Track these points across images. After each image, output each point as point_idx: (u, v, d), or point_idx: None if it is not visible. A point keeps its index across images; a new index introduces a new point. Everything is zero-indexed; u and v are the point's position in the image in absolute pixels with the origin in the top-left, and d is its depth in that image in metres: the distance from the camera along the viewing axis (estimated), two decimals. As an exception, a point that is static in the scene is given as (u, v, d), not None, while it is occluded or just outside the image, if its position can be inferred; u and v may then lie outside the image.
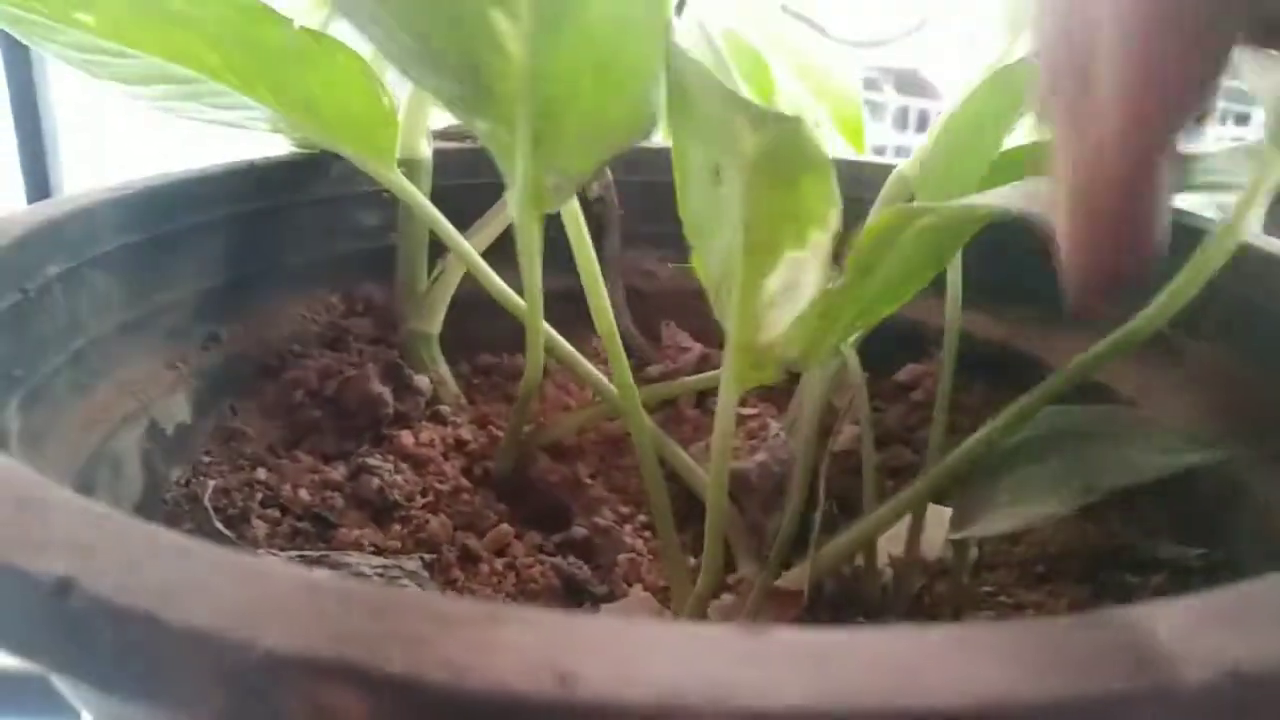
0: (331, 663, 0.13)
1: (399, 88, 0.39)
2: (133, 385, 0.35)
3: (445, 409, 0.41)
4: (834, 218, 0.26)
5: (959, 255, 0.36)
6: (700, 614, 0.33)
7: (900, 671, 0.13)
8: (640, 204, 0.48)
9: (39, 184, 0.69)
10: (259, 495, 0.36)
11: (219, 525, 0.34)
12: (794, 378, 0.41)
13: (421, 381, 0.40)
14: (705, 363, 0.45)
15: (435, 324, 0.42)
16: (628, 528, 0.39)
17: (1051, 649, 0.13)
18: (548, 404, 0.44)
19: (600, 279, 0.36)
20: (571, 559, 0.36)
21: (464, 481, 0.38)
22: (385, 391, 0.39)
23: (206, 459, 0.37)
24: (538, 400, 0.44)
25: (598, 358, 0.41)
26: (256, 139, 0.41)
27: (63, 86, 0.68)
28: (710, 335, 0.46)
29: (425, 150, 0.41)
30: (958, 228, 0.30)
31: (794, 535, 0.35)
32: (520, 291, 0.38)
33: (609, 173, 0.47)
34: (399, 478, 0.37)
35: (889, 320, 0.39)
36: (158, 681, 0.14)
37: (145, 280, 0.36)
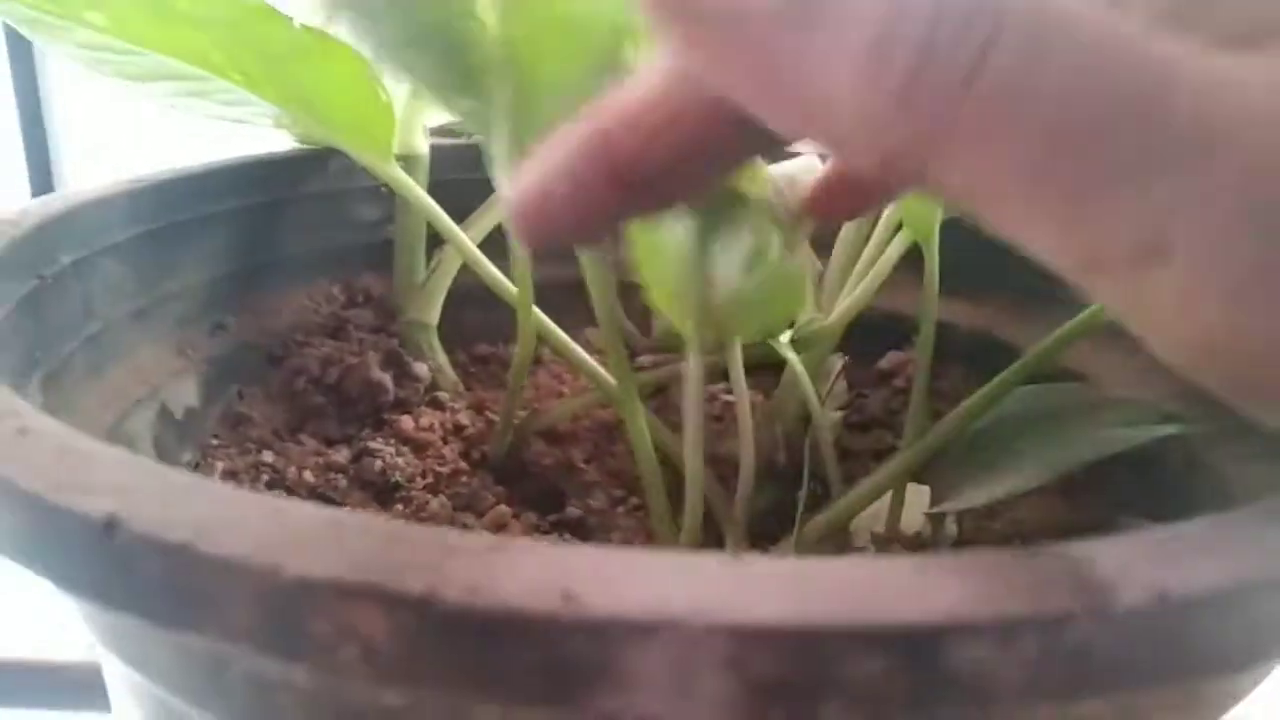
0: (354, 585, 0.15)
1: (396, 87, 0.40)
2: (144, 370, 0.36)
3: (443, 395, 0.42)
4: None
5: (936, 245, 0.38)
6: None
7: (867, 592, 0.14)
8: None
9: (43, 181, 0.70)
10: (265, 477, 0.37)
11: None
12: (782, 369, 0.43)
13: (420, 369, 0.42)
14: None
15: (433, 314, 0.43)
16: (620, 510, 0.40)
17: (1002, 575, 0.15)
18: (542, 391, 0.45)
19: (601, 265, 0.37)
20: (567, 537, 0.38)
21: (462, 464, 0.40)
22: (386, 378, 0.41)
23: (214, 442, 0.38)
24: (532, 387, 0.45)
25: (590, 346, 0.42)
26: (258, 134, 0.43)
27: (66, 83, 0.70)
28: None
29: (422, 146, 0.43)
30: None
31: (774, 519, 0.36)
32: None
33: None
34: (400, 460, 0.38)
35: (874, 311, 0.41)
36: (198, 609, 0.15)
37: (156, 269, 0.37)
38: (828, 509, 0.36)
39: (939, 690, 0.14)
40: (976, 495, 0.32)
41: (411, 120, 0.42)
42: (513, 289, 0.39)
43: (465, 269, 0.41)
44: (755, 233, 0.29)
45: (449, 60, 0.33)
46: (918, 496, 0.37)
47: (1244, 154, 0.14)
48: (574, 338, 0.41)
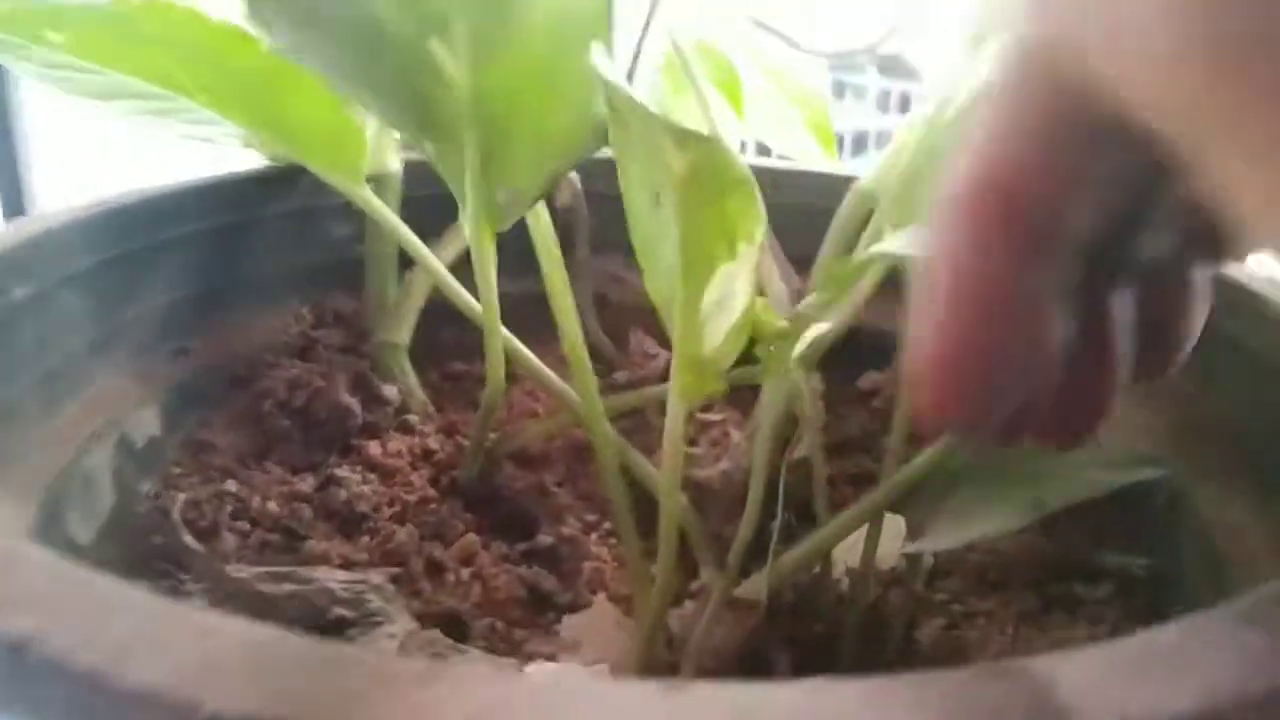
0: (273, 723, 0.14)
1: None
2: (102, 401, 0.35)
3: (413, 419, 0.41)
4: (759, 232, 0.27)
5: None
6: (659, 624, 0.33)
7: (813, 727, 0.14)
8: (609, 211, 0.48)
9: (13, 200, 0.69)
10: (229, 507, 0.37)
11: (188, 540, 0.35)
12: (759, 385, 0.42)
13: (390, 392, 0.41)
14: (671, 370, 0.46)
15: (404, 335, 0.43)
16: (593, 536, 0.40)
17: (956, 700, 0.14)
18: (515, 411, 0.45)
19: (566, 289, 0.36)
20: (537, 568, 0.37)
21: (431, 491, 0.39)
22: (353, 402, 0.40)
23: (177, 471, 0.38)
24: (505, 408, 0.45)
25: (565, 364, 0.42)
26: (232, 151, 0.42)
27: (38, 101, 0.68)
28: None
29: (394, 164, 0.42)
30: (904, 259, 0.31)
31: (752, 544, 0.36)
32: (501, 294, 0.39)
33: (577, 181, 0.48)
34: (366, 488, 0.38)
35: (853, 329, 0.40)
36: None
37: (115, 297, 0.37)
38: (804, 542, 0.35)
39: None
40: (949, 538, 0.31)
41: (383, 139, 0.41)
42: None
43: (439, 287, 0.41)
44: (742, 284, 0.28)
45: (414, 106, 0.32)
46: (895, 527, 0.36)
47: None
48: (550, 352, 0.40)
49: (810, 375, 0.42)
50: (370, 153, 0.40)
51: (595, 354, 0.48)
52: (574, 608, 0.36)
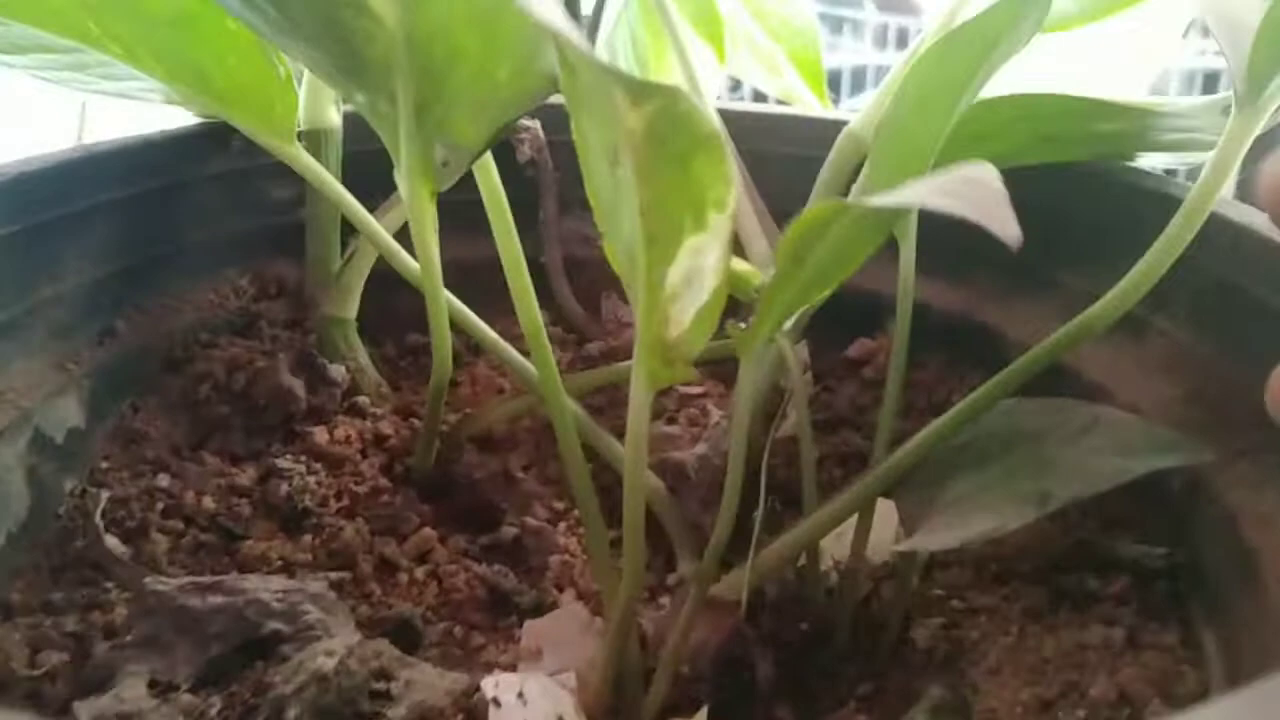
0: None
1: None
2: (13, 391, 0.32)
3: (364, 400, 0.38)
4: (731, 197, 0.23)
5: (914, 230, 0.34)
6: (628, 624, 0.30)
7: None
8: (578, 165, 0.45)
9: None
10: (160, 505, 0.33)
11: (111, 543, 0.31)
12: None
13: (336, 371, 0.38)
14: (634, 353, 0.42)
15: (350, 308, 0.39)
16: (562, 525, 0.37)
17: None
18: (479, 389, 0.41)
19: (521, 259, 0.33)
20: (498, 565, 0.34)
21: (383, 481, 0.36)
22: (297, 384, 0.37)
23: (105, 464, 0.34)
24: (469, 385, 0.41)
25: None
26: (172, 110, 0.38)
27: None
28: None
29: (334, 118, 0.38)
30: (890, 215, 0.27)
31: (731, 535, 0.32)
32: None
33: (541, 132, 0.44)
34: (311, 480, 0.35)
35: (841, 291, 0.36)
36: None
37: (26, 275, 0.33)
38: (789, 533, 0.32)
39: None
40: (947, 536, 0.28)
41: (320, 90, 0.38)
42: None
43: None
44: (713, 258, 0.25)
45: (340, 50, 0.28)
46: (887, 514, 0.33)
47: None
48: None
49: (797, 344, 0.39)
50: (305, 106, 0.37)
51: (566, 323, 0.45)
52: (538, 608, 0.33)
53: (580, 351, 0.43)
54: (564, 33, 0.21)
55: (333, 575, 0.31)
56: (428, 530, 0.35)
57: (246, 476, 0.35)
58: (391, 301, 0.41)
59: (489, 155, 0.32)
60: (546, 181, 0.44)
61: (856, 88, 1.89)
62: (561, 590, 0.34)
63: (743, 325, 0.29)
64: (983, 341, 0.39)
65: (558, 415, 0.32)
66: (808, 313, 0.35)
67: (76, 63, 0.35)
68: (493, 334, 0.35)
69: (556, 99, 0.28)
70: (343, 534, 0.33)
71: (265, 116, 0.34)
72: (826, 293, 0.31)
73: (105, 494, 0.33)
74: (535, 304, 0.32)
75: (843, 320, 0.41)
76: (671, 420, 0.39)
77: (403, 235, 0.35)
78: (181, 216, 0.38)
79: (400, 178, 0.30)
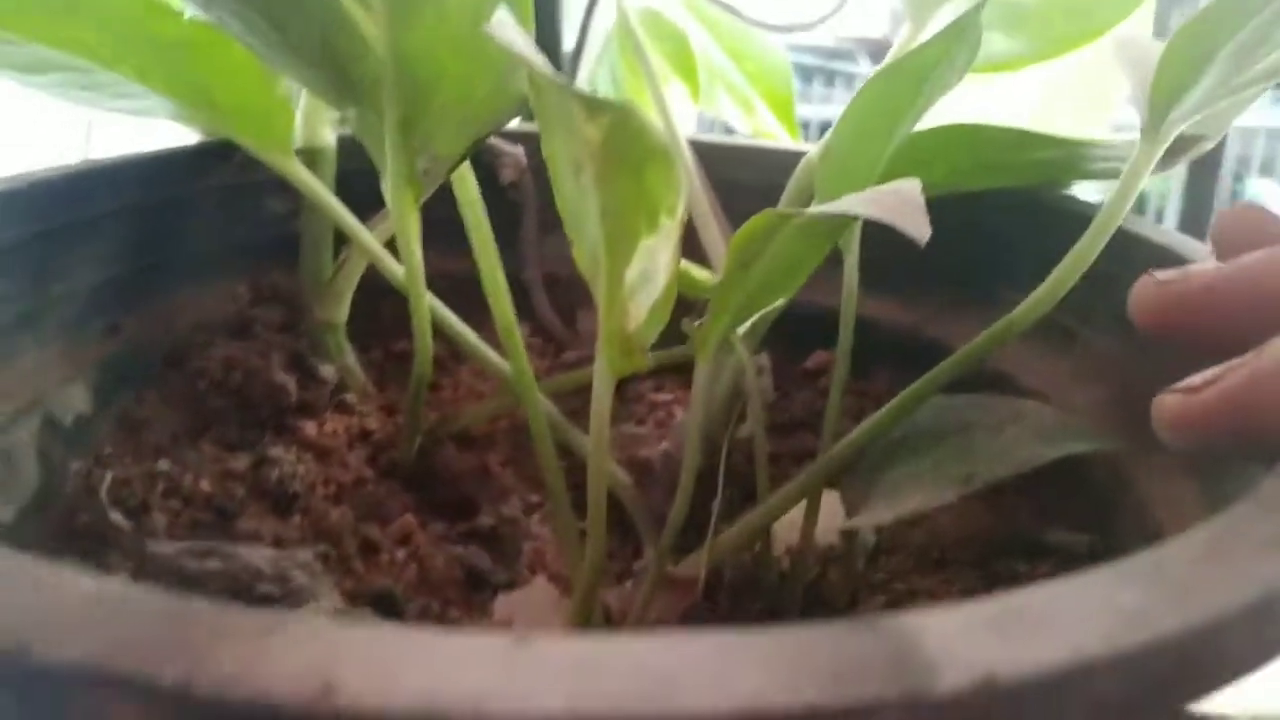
0: (103, 673, 0.13)
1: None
2: (28, 377, 0.35)
3: (351, 398, 0.41)
4: (680, 204, 0.26)
5: (856, 243, 0.37)
6: (590, 600, 0.33)
7: (658, 679, 0.13)
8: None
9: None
10: (160, 486, 0.36)
11: (115, 517, 0.34)
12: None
13: (326, 371, 0.41)
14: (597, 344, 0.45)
15: (341, 313, 0.42)
16: (535, 517, 0.39)
17: (813, 655, 0.14)
18: (461, 391, 0.44)
19: (498, 268, 0.36)
20: (474, 548, 0.37)
21: (368, 471, 0.38)
22: (289, 381, 0.39)
23: (108, 450, 0.37)
24: (451, 388, 0.44)
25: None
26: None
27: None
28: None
29: (328, 137, 0.41)
30: (829, 227, 0.30)
31: (686, 523, 0.35)
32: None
33: (523, 156, 0.47)
34: (301, 468, 0.37)
35: (801, 306, 0.39)
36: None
37: (44, 272, 0.36)
38: (743, 519, 0.35)
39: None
40: (883, 513, 0.31)
41: (316, 112, 0.41)
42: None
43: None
44: (664, 259, 0.28)
45: (333, 70, 0.31)
46: (835, 504, 0.36)
47: None
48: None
49: (757, 353, 0.42)
50: (301, 125, 0.40)
51: (545, 334, 0.48)
52: (511, 587, 0.36)
53: (558, 360, 0.46)
54: (529, 57, 0.25)
55: (319, 549, 0.34)
56: (409, 517, 0.37)
57: (240, 463, 0.37)
58: (379, 308, 0.44)
59: (469, 171, 0.35)
60: (527, 203, 0.47)
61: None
62: (534, 574, 0.37)
63: (698, 323, 0.32)
64: (929, 354, 0.42)
65: (531, 408, 0.35)
66: (765, 321, 0.38)
67: (91, 82, 0.38)
68: (472, 335, 0.38)
69: (536, 126, 0.31)
70: (329, 516, 0.36)
71: (265, 133, 0.37)
72: (779, 301, 0.34)
73: (109, 475, 0.35)
74: (509, 305, 0.35)
75: (803, 335, 0.44)
76: (641, 422, 0.42)
77: (391, 246, 0.38)
78: (184, 225, 0.41)
79: (386, 186, 0.33)
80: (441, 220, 0.36)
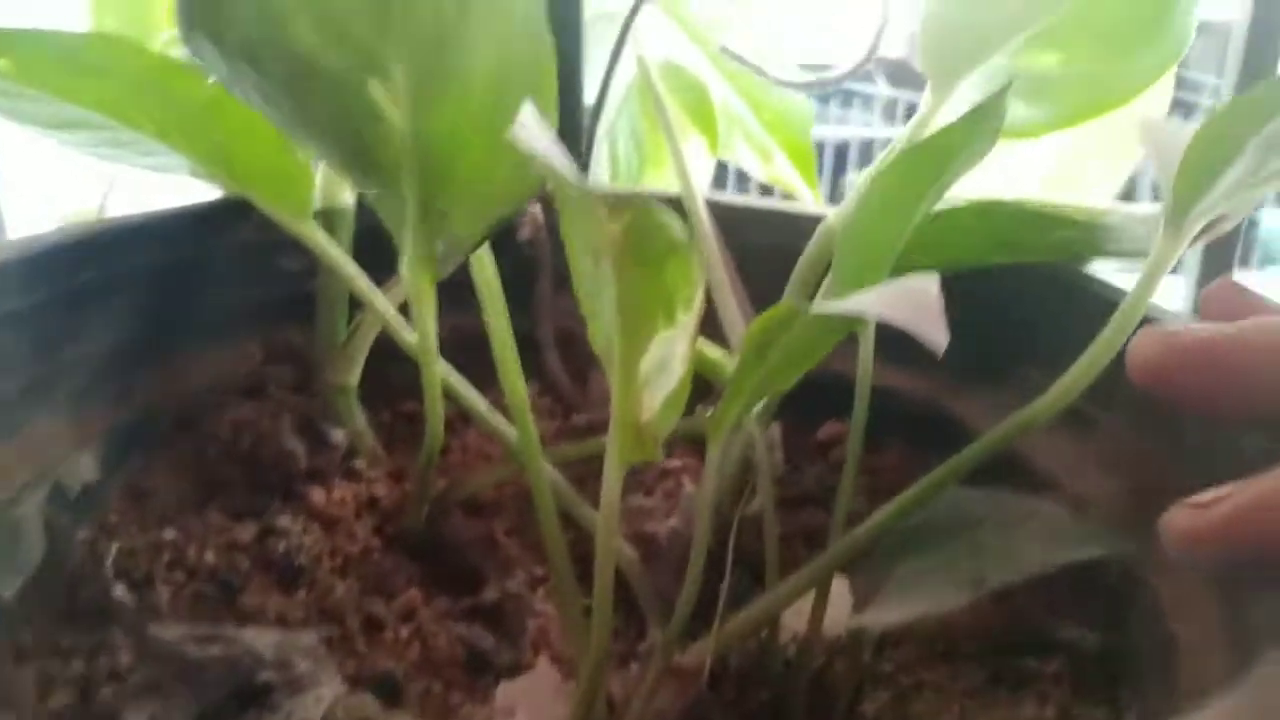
0: None
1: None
2: (36, 448, 0.35)
3: (360, 464, 0.41)
4: (698, 298, 0.26)
5: (873, 322, 0.36)
6: (596, 687, 0.32)
7: None
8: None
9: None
10: (165, 557, 0.36)
11: (118, 592, 0.34)
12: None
13: (336, 435, 0.40)
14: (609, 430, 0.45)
15: (353, 377, 0.42)
16: (540, 591, 0.39)
17: None
18: (469, 456, 0.44)
19: (509, 337, 0.35)
20: (478, 628, 0.36)
21: (374, 542, 0.38)
22: (298, 447, 0.39)
23: (114, 518, 0.37)
24: (459, 452, 0.44)
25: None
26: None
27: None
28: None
29: (347, 199, 0.41)
30: (845, 320, 0.30)
31: (696, 606, 0.35)
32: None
33: (540, 215, 0.47)
34: (307, 539, 0.37)
35: (814, 376, 0.39)
36: None
37: (52, 338, 0.36)
38: (751, 606, 0.34)
39: None
40: (889, 614, 0.30)
41: (334, 173, 0.40)
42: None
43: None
44: (680, 350, 0.28)
45: (353, 148, 0.31)
46: (843, 588, 0.35)
47: None
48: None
49: (770, 426, 0.41)
50: (320, 187, 0.40)
51: (556, 395, 0.48)
52: (514, 669, 0.36)
53: (567, 423, 0.46)
54: (551, 161, 0.24)
55: (323, 631, 0.34)
56: (413, 592, 0.37)
57: (247, 533, 0.37)
58: (387, 371, 0.44)
59: (487, 251, 0.35)
60: (543, 261, 0.47)
61: (865, 160, 1.93)
62: (538, 653, 0.36)
63: (710, 411, 0.32)
64: (944, 429, 0.42)
65: (536, 480, 0.35)
66: (777, 398, 0.38)
67: (114, 139, 0.38)
68: (481, 403, 0.38)
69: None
70: (334, 592, 0.36)
71: (282, 197, 0.37)
72: (791, 382, 0.34)
73: (115, 545, 0.35)
74: (520, 376, 0.35)
75: (816, 402, 0.44)
76: (649, 493, 0.42)
77: (404, 309, 0.38)
78: (199, 285, 0.41)
79: (404, 265, 0.32)
80: (453, 276, 0.35)
